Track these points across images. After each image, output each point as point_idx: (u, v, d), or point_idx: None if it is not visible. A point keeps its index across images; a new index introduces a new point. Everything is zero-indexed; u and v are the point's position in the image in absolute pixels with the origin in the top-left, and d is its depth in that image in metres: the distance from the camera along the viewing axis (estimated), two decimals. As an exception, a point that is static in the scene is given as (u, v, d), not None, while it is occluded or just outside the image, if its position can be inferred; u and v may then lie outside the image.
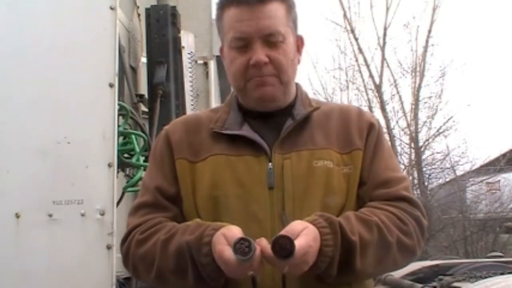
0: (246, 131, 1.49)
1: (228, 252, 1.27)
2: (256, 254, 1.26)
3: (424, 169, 14.57)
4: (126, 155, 2.66)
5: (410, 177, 13.95)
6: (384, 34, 14.95)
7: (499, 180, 15.24)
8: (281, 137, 1.47)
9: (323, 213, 1.36)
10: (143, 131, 2.71)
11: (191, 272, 1.36)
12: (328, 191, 1.43)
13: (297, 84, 1.59)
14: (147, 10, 3.14)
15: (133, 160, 2.64)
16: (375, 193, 1.47)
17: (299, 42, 1.56)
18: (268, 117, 1.52)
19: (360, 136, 1.50)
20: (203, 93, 3.92)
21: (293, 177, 1.43)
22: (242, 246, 1.24)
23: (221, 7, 1.50)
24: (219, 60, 4.07)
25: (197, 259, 1.33)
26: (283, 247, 1.24)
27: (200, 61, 3.86)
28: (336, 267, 1.33)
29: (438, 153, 14.76)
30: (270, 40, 1.44)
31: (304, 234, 1.28)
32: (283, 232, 1.27)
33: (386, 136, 13.37)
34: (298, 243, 1.25)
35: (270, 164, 1.44)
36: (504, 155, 15.02)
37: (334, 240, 1.32)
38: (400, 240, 1.40)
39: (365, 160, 1.49)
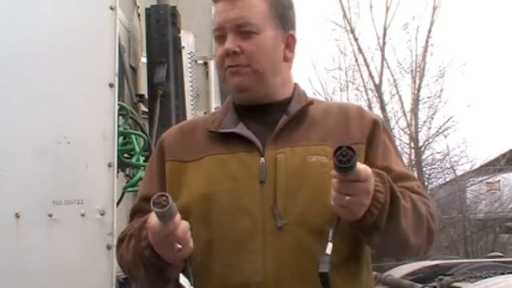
0: (240, 128, 1.51)
1: (152, 217, 1.31)
2: (177, 218, 1.29)
3: (424, 169, 14.58)
4: (126, 155, 2.66)
5: (410, 177, 13.94)
6: (384, 34, 14.96)
7: (499, 180, 15.25)
8: (274, 132, 1.48)
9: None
10: (143, 131, 2.71)
11: (140, 263, 1.40)
12: (323, 185, 1.41)
13: (295, 84, 1.61)
14: (147, 10, 3.14)
15: (133, 160, 2.64)
16: None
17: (290, 40, 1.55)
18: (263, 115, 1.53)
19: (361, 132, 1.50)
20: (203, 93, 3.92)
21: (287, 171, 1.43)
22: (160, 200, 1.26)
23: (214, 4, 1.57)
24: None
25: (139, 246, 1.38)
26: (345, 153, 1.19)
27: (200, 61, 3.85)
28: (385, 218, 1.32)
29: (438, 153, 14.78)
30: (242, 30, 1.48)
31: (363, 165, 1.27)
32: None
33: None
34: (363, 166, 1.25)
35: (262, 159, 1.45)
36: (504, 155, 15.04)
37: (385, 188, 1.32)
38: (427, 217, 1.43)
39: (375, 157, 1.48)
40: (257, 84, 1.50)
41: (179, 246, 1.31)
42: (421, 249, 1.47)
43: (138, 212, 1.57)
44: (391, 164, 1.50)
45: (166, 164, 1.53)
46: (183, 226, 1.32)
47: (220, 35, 1.50)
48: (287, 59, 1.56)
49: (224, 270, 1.40)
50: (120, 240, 1.55)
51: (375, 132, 1.51)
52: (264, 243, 1.39)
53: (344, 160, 1.19)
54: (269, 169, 1.44)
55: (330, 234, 1.32)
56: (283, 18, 1.55)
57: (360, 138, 1.49)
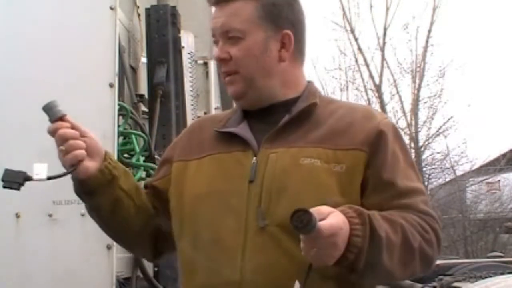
0: (240, 128, 1.50)
1: None
2: (66, 122, 1.44)
3: (424, 169, 14.58)
4: (126, 155, 2.66)
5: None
6: (384, 34, 14.98)
7: (499, 180, 15.26)
8: (271, 132, 1.47)
9: (351, 205, 1.32)
10: (143, 131, 2.71)
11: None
12: (309, 189, 1.39)
13: (308, 82, 1.58)
14: (147, 10, 3.14)
15: (133, 160, 2.64)
16: (393, 203, 1.42)
17: (285, 39, 1.51)
18: (267, 115, 1.52)
19: (364, 137, 1.44)
20: (203, 93, 3.91)
21: (275, 171, 1.41)
22: (50, 101, 1.45)
23: None
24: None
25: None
26: (301, 218, 1.18)
27: (200, 61, 3.84)
28: (363, 261, 1.28)
29: (438, 153, 14.80)
30: (229, 36, 1.48)
31: (333, 216, 1.24)
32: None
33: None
34: (329, 222, 1.22)
35: (254, 158, 1.44)
36: (504, 155, 15.05)
37: (363, 232, 1.28)
38: (422, 247, 1.38)
39: (381, 168, 1.43)
40: (250, 90, 1.49)
41: (61, 147, 1.42)
42: (414, 275, 1.45)
43: None
44: (396, 178, 1.43)
45: (173, 166, 1.55)
46: (67, 130, 1.44)
47: (215, 41, 1.52)
48: (283, 59, 1.50)
49: (207, 268, 1.41)
50: None
51: (381, 141, 1.44)
52: (245, 243, 1.38)
53: (300, 226, 1.19)
54: (259, 169, 1.43)
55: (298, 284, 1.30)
56: (276, 18, 1.50)
57: (360, 143, 1.43)
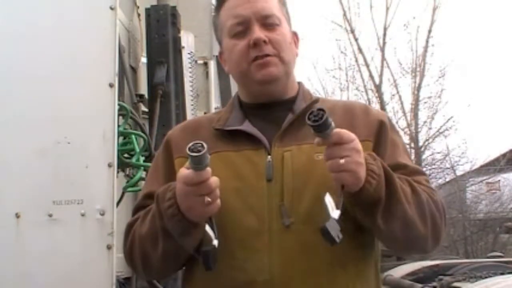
0: (246, 126, 1.51)
1: (183, 169, 1.30)
2: (210, 169, 1.27)
3: (424, 169, 14.56)
4: (126, 155, 2.65)
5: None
6: (384, 34, 14.96)
7: (499, 180, 15.25)
8: (281, 130, 1.48)
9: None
10: (143, 131, 2.71)
11: (160, 229, 1.38)
12: (329, 184, 1.39)
13: (299, 83, 1.62)
14: (147, 10, 3.14)
15: (133, 160, 2.64)
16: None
17: (295, 38, 1.60)
18: (269, 113, 1.53)
19: (368, 130, 1.50)
20: (203, 93, 3.91)
21: (293, 169, 1.43)
22: (196, 146, 1.25)
23: (219, 4, 1.57)
24: (219, 60, 4.06)
25: (162, 207, 1.35)
26: (316, 113, 1.26)
27: (200, 61, 3.84)
28: (384, 189, 1.32)
29: (438, 153, 14.79)
30: (267, 22, 1.50)
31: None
32: None
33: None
34: (341, 129, 1.30)
35: (269, 157, 1.45)
36: (504, 155, 15.05)
37: (377, 164, 1.34)
38: (429, 204, 1.42)
39: (383, 157, 1.46)
40: (284, 76, 1.52)
41: (209, 199, 1.28)
42: (428, 241, 1.44)
43: (141, 208, 1.56)
44: (398, 160, 1.50)
45: (175, 161, 1.53)
46: (214, 178, 1.30)
47: (242, 30, 1.50)
48: (297, 54, 1.60)
49: (229, 268, 1.39)
50: (130, 225, 1.53)
51: (381, 132, 1.52)
52: (270, 241, 1.39)
53: (316, 119, 1.25)
54: (276, 167, 1.44)
55: (332, 204, 1.31)
56: (289, 17, 1.59)
57: (366, 135, 1.49)
